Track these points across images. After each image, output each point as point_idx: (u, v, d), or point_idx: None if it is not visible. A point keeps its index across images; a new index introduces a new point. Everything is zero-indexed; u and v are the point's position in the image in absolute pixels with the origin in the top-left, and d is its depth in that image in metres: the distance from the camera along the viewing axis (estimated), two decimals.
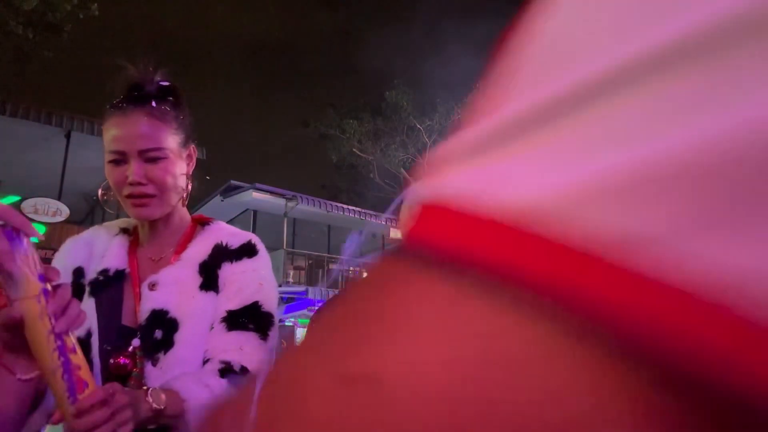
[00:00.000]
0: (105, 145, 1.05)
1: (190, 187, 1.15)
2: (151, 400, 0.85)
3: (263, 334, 1.05)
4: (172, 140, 1.06)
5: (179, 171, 1.08)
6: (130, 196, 1.03)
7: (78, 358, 0.76)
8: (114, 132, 1.03)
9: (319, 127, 22.45)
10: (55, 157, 9.29)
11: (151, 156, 1.03)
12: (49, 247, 7.68)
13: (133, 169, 1.01)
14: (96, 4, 9.37)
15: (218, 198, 13.70)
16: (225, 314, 1.04)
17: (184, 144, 1.11)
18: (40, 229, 8.56)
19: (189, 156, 1.13)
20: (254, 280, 1.09)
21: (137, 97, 1.05)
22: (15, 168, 10.16)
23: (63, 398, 0.74)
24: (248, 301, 1.06)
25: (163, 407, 0.86)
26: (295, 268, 14.87)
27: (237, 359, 0.99)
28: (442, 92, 20.77)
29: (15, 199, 8.40)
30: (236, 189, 13.52)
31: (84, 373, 0.76)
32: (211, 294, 1.06)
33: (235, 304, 1.05)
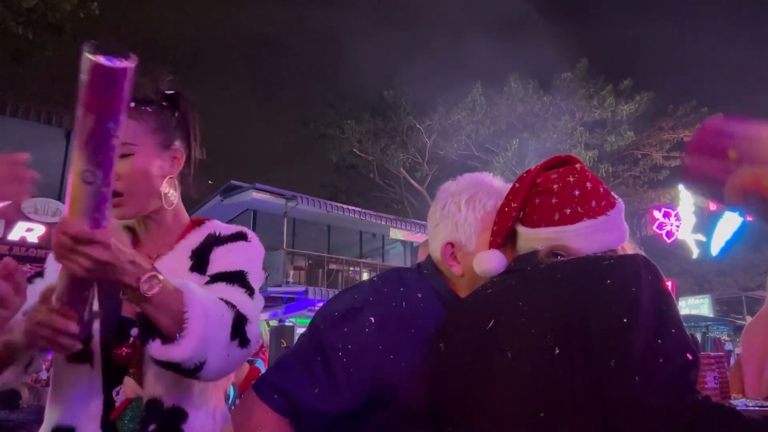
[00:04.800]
0: None
1: (179, 189, 1.15)
2: (144, 278, 0.85)
3: (249, 290, 1.04)
4: (145, 138, 1.06)
5: (155, 171, 1.07)
6: None
7: None
8: None
9: (319, 127, 22.44)
10: (55, 157, 9.26)
11: None
12: (48, 246, 7.66)
13: None
14: (96, 4, 9.33)
15: (218, 198, 13.68)
16: (208, 278, 1.06)
17: (166, 144, 1.10)
18: (40, 230, 8.60)
19: (174, 158, 1.12)
20: (242, 257, 1.10)
21: None
22: None
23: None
24: (234, 268, 1.06)
25: (152, 293, 0.86)
26: (295, 268, 14.85)
27: (224, 297, 0.99)
28: (442, 92, 20.74)
29: None
30: (236, 189, 13.50)
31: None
32: (200, 276, 1.08)
33: (218, 268, 1.07)
